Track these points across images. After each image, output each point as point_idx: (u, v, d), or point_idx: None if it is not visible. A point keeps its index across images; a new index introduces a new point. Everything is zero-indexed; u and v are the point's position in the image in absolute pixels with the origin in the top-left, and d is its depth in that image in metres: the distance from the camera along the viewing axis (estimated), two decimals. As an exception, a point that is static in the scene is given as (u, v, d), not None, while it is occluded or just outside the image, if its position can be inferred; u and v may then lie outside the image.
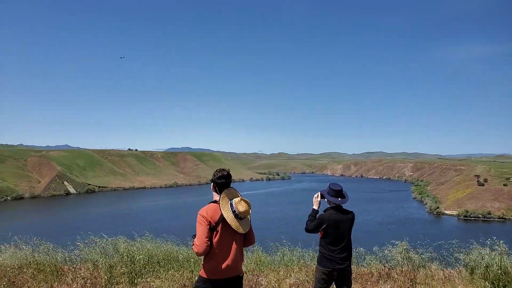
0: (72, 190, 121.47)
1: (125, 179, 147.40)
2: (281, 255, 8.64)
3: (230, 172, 3.93)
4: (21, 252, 10.30)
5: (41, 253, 10.02)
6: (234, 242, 3.74)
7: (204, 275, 3.69)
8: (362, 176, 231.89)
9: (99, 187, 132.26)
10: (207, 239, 3.60)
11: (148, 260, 9.32)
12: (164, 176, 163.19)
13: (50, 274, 8.73)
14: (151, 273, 8.85)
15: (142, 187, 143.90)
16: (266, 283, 6.82)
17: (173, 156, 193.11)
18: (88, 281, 7.68)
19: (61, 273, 8.92)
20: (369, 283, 6.87)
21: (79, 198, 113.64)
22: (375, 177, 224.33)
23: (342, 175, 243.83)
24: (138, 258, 8.76)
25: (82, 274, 8.28)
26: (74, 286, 7.46)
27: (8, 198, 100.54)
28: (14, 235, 10.17)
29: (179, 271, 9.03)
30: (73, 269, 9.17)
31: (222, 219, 3.67)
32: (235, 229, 3.69)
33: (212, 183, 3.89)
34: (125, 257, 9.25)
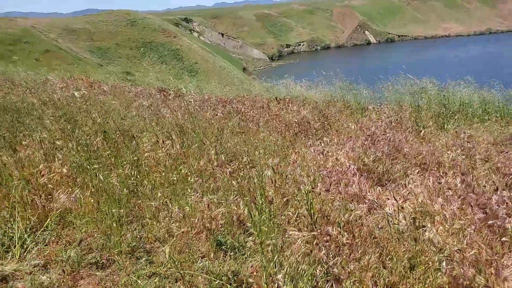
0: (372, 40, 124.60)
1: (428, 26, 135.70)
2: None
3: None
4: (330, 90, 11.23)
5: (345, 90, 10.58)
6: None
7: None
8: None
9: (399, 36, 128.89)
10: None
11: (461, 106, 7.97)
12: (475, 21, 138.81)
13: (356, 111, 9.08)
14: (463, 121, 7.59)
15: (446, 35, 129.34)
16: None
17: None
18: (393, 117, 7.36)
19: (365, 110, 9.15)
20: None
21: (378, 47, 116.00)
22: None
23: None
24: (450, 102, 7.59)
25: (386, 112, 8.09)
26: (378, 123, 7.34)
27: (318, 48, 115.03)
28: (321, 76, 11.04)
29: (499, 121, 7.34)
30: (377, 108, 9.19)
31: None
32: None
33: None
34: (433, 101, 8.25)
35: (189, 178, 4.08)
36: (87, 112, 6.61)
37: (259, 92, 13.36)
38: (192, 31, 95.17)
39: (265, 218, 2.93)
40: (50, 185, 3.84)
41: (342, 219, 2.97)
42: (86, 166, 4.20)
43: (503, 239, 2.93)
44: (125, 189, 3.73)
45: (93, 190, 3.73)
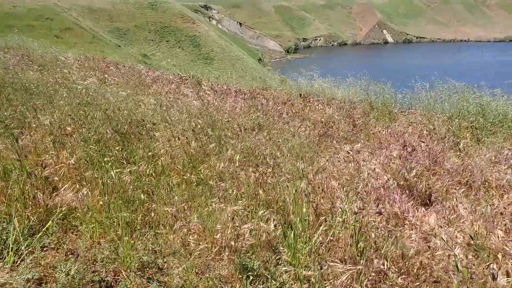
0: (389, 39, 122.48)
1: (447, 29, 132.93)
2: None
3: None
4: (354, 88, 10.67)
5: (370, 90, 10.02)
6: None
7: None
8: None
9: (416, 37, 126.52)
10: None
11: (498, 118, 7.40)
12: (496, 27, 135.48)
13: (383, 114, 8.53)
14: (502, 134, 7.02)
15: (465, 40, 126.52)
16: None
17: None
18: (426, 124, 6.83)
19: (392, 113, 8.61)
20: None
21: (396, 47, 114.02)
22: None
23: None
24: (488, 113, 7.02)
25: (417, 118, 7.56)
26: (409, 129, 6.82)
27: (335, 43, 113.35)
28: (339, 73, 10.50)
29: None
30: (405, 113, 8.64)
31: None
32: None
33: None
34: (469, 109, 7.68)
35: (209, 180, 3.65)
36: (102, 97, 6.20)
37: (278, 86, 12.85)
38: (210, 18, 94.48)
39: (302, 244, 2.47)
40: (56, 178, 3.44)
41: (395, 251, 2.50)
42: (96, 158, 3.79)
43: None
44: (138, 190, 3.31)
45: (102, 187, 3.32)
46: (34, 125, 4.52)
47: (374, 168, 4.25)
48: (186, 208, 3.24)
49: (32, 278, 2.33)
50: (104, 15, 63.39)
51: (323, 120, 6.42)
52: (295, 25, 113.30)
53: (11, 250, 2.48)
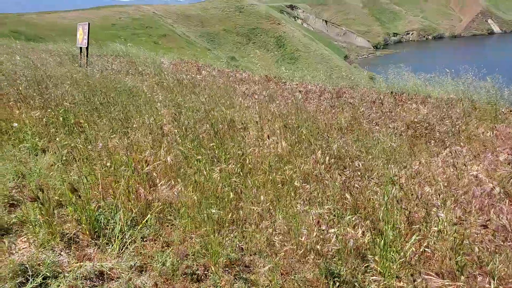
0: (496, 29, 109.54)
1: None
2: None
3: None
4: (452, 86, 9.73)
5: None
6: None
7: None
8: None
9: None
10: None
11: None
12: None
13: (488, 114, 7.64)
14: None
15: None
16: None
17: None
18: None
19: (498, 113, 7.67)
20: None
21: (503, 38, 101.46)
22: None
23: None
24: None
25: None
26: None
27: (430, 37, 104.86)
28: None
29: None
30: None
31: None
32: None
33: None
34: None
35: (295, 181, 3.64)
36: (195, 96, 6.60)
37: (367, 83, 12.32)
38: (296, 18, 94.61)
39: (393, 253, 2.33)
40: (154, 174, 3.75)
41: (505, 270, 2.22)
42: (190, 156, 4.04)
43: None
44: (227, 188, 3.44)
45: (194, 184, 3.53)
46: (135, 125, 4.99)
47: (477, 174, 3.83)
48: (271, 208, 3.29)
49: (134, 265, 2.57)
50: (196, 21, 67.63)
51: (416, 120, 5.99)
52: (384, 19, 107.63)
53: (117, 239, 2.77)
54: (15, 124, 4.71)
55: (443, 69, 10.17)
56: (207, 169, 3.69)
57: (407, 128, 5.63)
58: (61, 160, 3.83)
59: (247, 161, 4.02)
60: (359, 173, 4.01)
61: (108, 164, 3.82)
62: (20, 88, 6.17)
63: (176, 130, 4.80)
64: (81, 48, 9.93)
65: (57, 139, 4.55)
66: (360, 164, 4.17)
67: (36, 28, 46.33)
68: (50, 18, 53.86)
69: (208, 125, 4.93)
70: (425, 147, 5.04)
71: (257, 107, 5.88)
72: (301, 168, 3.85)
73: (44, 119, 5.05)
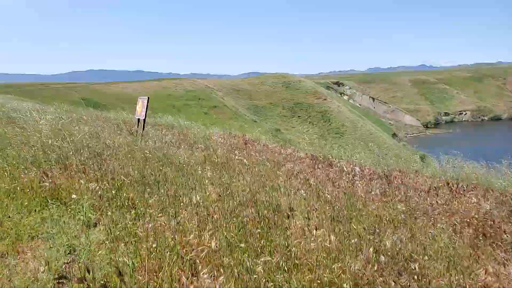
0: None
1: None
2: None
3: None
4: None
5: None
6: None
7: None
8: None
9: None
10: None
11: None
12: None
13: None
14: None
15: None
16: None
17: None
18: None
19: None
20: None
21: None
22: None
23: None
24: None
25: None
26: None
27: (486, 118, 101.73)
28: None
29: None
30: None
31: None
32: None
33: None
34: None
35: (344, 283, 3.38)
36: (242, 176, 6.65)
37: (419, 167, 11.84)
38: (342, 94, 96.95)
39: None
40: (198, 260, 3.66)
41: None
42: (233, 244, 3.94)
43: None
44: (271, 284, 3.25)
45: (237, 277, 3.38)
46: (182, 204, 5.03)
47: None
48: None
49: None
50: (244, 94, 71.56)
51: (477, 216, 5.53)
52: (434, 98, 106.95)
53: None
54: (74, 196, 4.93)
55: (505, 154, 9.47)
56: (250, 260, 3.55)
57: (467, 226, 5.19)
58: (110, 239, 3.88)
59: (292, 255, 3.84)
60: (415, 278, 3.66)
61: (154, 245, 3.81)
62: (82, 159, 6.57)
63: (220, 212, 4.78)
64: (138, 119, 10.66)
65: (109, 213, 4.67)
66: (416, 267, 3.83)
67: (103, 96, 51.22)
68: (115, 88, 59.60)
69: (253, 209, 4.87)
70: (490, 250, 4.56)
71: (303, 192, 5.77)
72: (351, 269, 3.58)
73: (99, 192, 5.26)
